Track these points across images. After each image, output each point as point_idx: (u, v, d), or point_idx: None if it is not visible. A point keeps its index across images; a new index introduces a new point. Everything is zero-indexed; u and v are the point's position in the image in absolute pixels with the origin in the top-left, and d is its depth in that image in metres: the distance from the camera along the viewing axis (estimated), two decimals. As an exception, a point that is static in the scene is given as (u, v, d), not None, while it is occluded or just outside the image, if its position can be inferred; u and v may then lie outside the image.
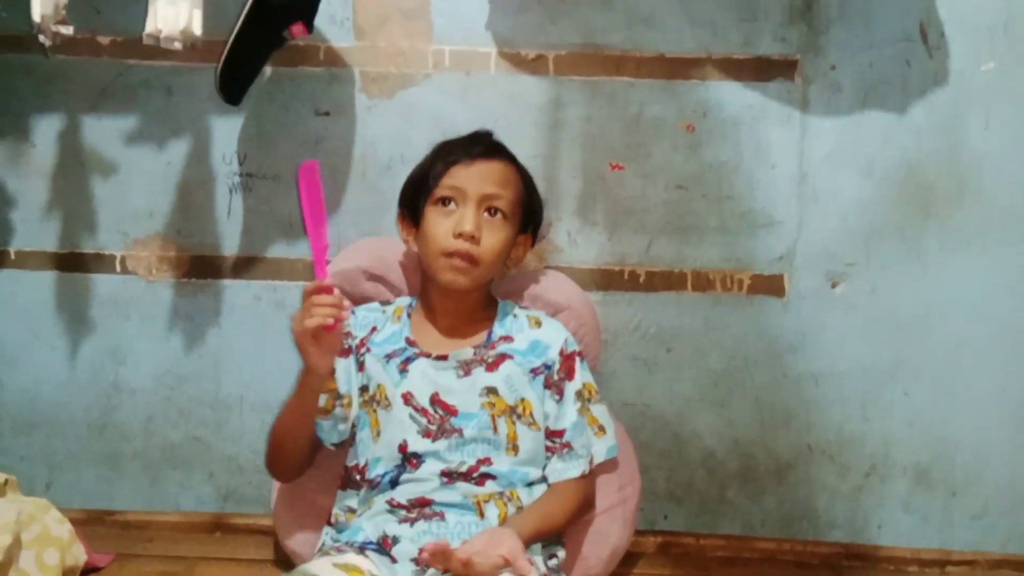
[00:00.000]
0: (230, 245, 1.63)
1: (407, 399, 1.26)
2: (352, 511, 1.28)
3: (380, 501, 1.24)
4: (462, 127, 1.54)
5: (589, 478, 1.32)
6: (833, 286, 1.61)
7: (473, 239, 1.25)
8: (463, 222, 1.25)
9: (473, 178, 1.27)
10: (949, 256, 1.59)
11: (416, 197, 1.32)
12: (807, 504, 1.62)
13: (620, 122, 1.59)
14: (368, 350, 1.31)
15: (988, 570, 1.53)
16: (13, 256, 1.64)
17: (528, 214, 1.36)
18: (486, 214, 1.28)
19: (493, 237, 1.27)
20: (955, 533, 1.61)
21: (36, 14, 1.31)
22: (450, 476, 1.23)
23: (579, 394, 1.32)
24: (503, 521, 1.21)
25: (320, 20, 1.52)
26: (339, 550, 1.19)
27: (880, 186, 1.59)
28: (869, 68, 1.57)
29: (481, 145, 1.32)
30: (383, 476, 1.25)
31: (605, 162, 1.60)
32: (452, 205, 1.28)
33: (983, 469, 1.61)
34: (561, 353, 1.32)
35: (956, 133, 1.58)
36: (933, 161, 1.58)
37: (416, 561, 1.16)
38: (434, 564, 1.10)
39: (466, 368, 1.28)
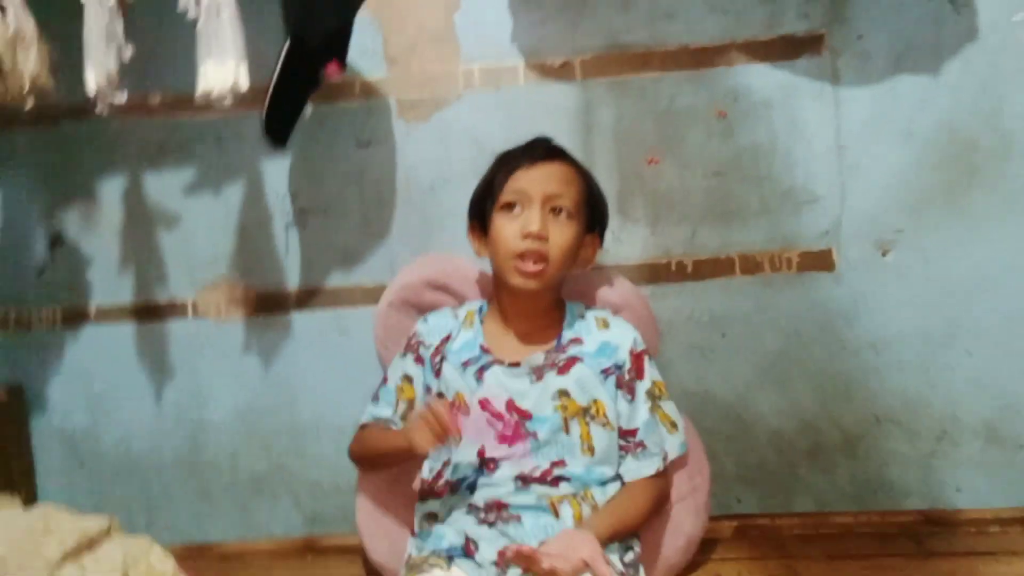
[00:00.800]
0: (291, 279, 1.71)
1: (484, 405, 1.31)
2: (433, 517, 1.33)
3: (461, 507, 1.29)
4: (497, 141, 1.58)
5: (664, 475, 1.35)
6: (883, 254, 1.60)
7: (541, 237, 1.28)
8: (530, 222, 1.29)
9: (535, 180, 1.31)
10: (998, 215, 1.57)
11: (483, 207, 1.36)
12: (880, 474, 1.62)
13: (651, 117, 1.62)
14: (444, 358, 1.36)
15: (1071, 523, 1.51)
16: (93, 313, 1.74)
17: (593, 213, 1.38)
18: (551, 214, 1.31)
19: (561, 234, 1.30)
20: (1035, 488, 1.59)
21: (91, 86, 1.40)
22: (524, 480, 1.28)
23: (649, 393, 1.34)
24: (578, 520, 1.25)
25: (352, 54, 1.57)
26: (428, 562, 1.23)
27: (921, 150, 1.58)
28: (897, 33, 1.57)
29: (540, 149, 1.35)
30: (462, 481, 1.30)
31: (641, 158, 1.63)
32: (518, 209, 1.31)
33: (1055, 421, 1.59)
34: (631, 353, 1.35)
35: (995, 88, 1.56)
36: (974, 120, 1.57)
37: (497, 564, 1.21)
38: (517, 564, 1.14)
39: (538, 373, 1.32)
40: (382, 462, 1.39)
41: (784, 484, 1.64)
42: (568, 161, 1.36)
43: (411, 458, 1.31)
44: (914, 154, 1.58)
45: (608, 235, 1.62)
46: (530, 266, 1.28)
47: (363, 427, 1.41)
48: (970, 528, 1.54)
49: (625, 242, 1.64)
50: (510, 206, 1.31)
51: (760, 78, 1.59)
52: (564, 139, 1.59)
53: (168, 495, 1.76)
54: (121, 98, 1.42)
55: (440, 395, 1.35)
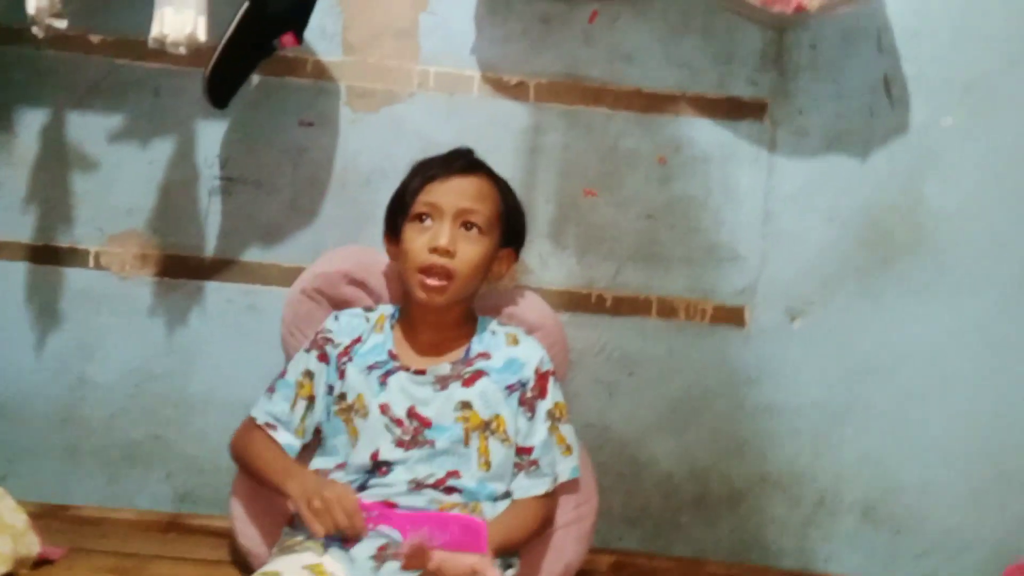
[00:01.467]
0: (207, 247, 1.65)
1: (384, 410, 1.29)
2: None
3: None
4: (444, 146, 1.58)
5: (552, 496, 1.34)
6: (792, 321, 1.66)
7: (448, 253, 1.27)
8: (438, 236, 1.28)
9: (448, 194, 1.30)
10: (905, 302, 1.65)
11: (396, 214, 1.35)
12: (758, 532, 1.66)
13: (596, 151, 1.65)
14: (350, 359, 1.33)
15: (929, 607, 1.57)
16: (-13, 244, 1.64)
17: (509, 229, 1.37)
18: (462, 228, 1.30)
19: (469, 251, 1.29)
20: (899, 570, 1.66)
21: (31, 6, 1.34)
22: (418, 485, 1.25)
23: (550, 413, 1.34)
24: (465, 532, 1.23)
25: (310, 34, 1.56)
26: (302, 545, 1.19)
27: (841, 230, 1.65)
28: (835, 116, 1.65)
29: (458, 161, 1.35)
30: (352, 482, 1.27)
31: (579, 188, 1.65)
32: (428, 221, 1.30)
33: (928, 511, 1.66)
34: (536, 372, 1.35)
35: (915, 185, 1.65)
36: (892, 211, 1.65)
37: (374, 559, 1.17)
38: (409, 562, 1.12)
39: (443, 383, 1.30)
40: (259, 482, 1.34)
41: (666, 528, 1.66)
42: (485, 175, 1.35)
43: (279, 494, 1.26)
44: (834, 233, 1.66)
45: (535, 258, 1.65)
46: (434, 281, 1.28)
47: (254, 426, 1.35)
48: (834, 595, 1.59)
49: (552, 267, 1.65)
50: (421, 217, 1.30)
51: (703, 132, 1.65)
52: (509, 156, 1.62)
53: (33, 449, 1.65)
54: (61, 24, 1.36)
55: (341, 396, 1.32)
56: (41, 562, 1.37)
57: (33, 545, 1.35)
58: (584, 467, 1.44)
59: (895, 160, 1.65)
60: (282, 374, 1.38)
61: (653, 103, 1.64)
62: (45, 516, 1.52)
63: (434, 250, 1.27)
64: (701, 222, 1.66)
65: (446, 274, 1.28)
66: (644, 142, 1.65)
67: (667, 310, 1.65)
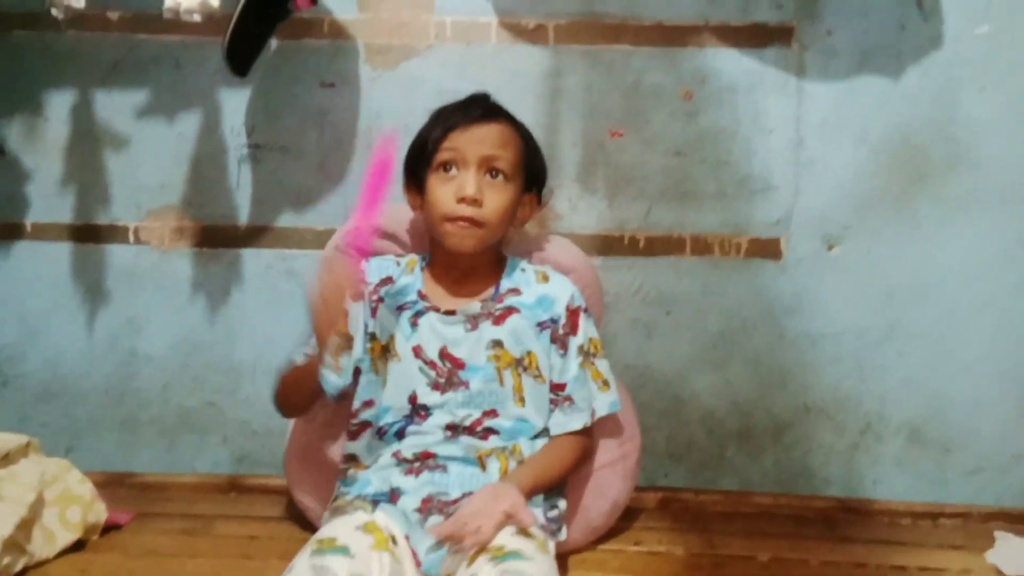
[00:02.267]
0: (240, 215, 1.67)
1: (417, 352, 1.30)
2: (357, 461, 1.32)
3: (387, 454, 1.28)
4: (463, 96, 1.58)
5: (589, 431, 1.36)
6: (829, 249, 1.64)
7: (476, 202, 1.27)
8: (464, 186, 1.27)
9: (471, 141, 1.29)
10: (943, 222, 1.62)
11: (418, 164, 1.34)
12: (804, 462, 1.67)
13: (619, 90, 1.62)
14: (381, 300, 1.34)
15: (980, 522, 1.56)
16: (29, 228, 1.69)
17: (531, 173, 1.36)
18: (487, 176, 1.29)
19: (496, 198, 1.29)
20: (949, 490, 1.65)
21: (49, -14, 1.35)
22: (454, 430, 1.27)
23: (582, 348, 1.35)
24: (504, 474, 1.25)
25: (324, -8, 1.56)
26: (352, 505, 1.23)
27: (875, 152, 1.62)
28: (864, 33, 1.60)
29: (478, 108, 1.33)
30: (391, 426, 1.29)
31: (604, 130, 1.63)
32: (453, 170, 1.29)
33: (976, 427, 1.65)
34: (567, 308, 1.35)
35: (950, 99, 1.60)
36: (927, 128, 1.61)
37: (419, 510, 1.21)
38: (444, 539, 1.15)
39: (473, 322, 1.31)
40: (293, 391, 1.32)
41: (711, 463, 1.68)
42: (506, 120, 1.33)
43: (315, 374, 1.22)
44: (867, 155, 1.62)
45: (565, 203, 1.64)
46: (464, 229, 1.27)
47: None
48: (883, 518, 1.59)
49: (581, 212, 1.65)
50: (446, 167, 1.29)
51: (728, 63, 1.61)
52: (531, 102, 1.61)
53: (93, 422, 1.72)
54: (79, 3, 1.37)
55: (372, 336, 1.34)
56: (110, 527, 1.43)
57: (101, 512, 1.41)
58: (626, 406, 1.45)
59: (928, 74, 1.60)
60: None
61: (675, 36, 1.61)
62: (111, 484, 1.58)
63: (462, 200, 1.27)
64: (731, 155, 1.63)
65: (475, 223, 1.28)
66: (668, 77, 1.62)
67: (701, 247, 1.64)
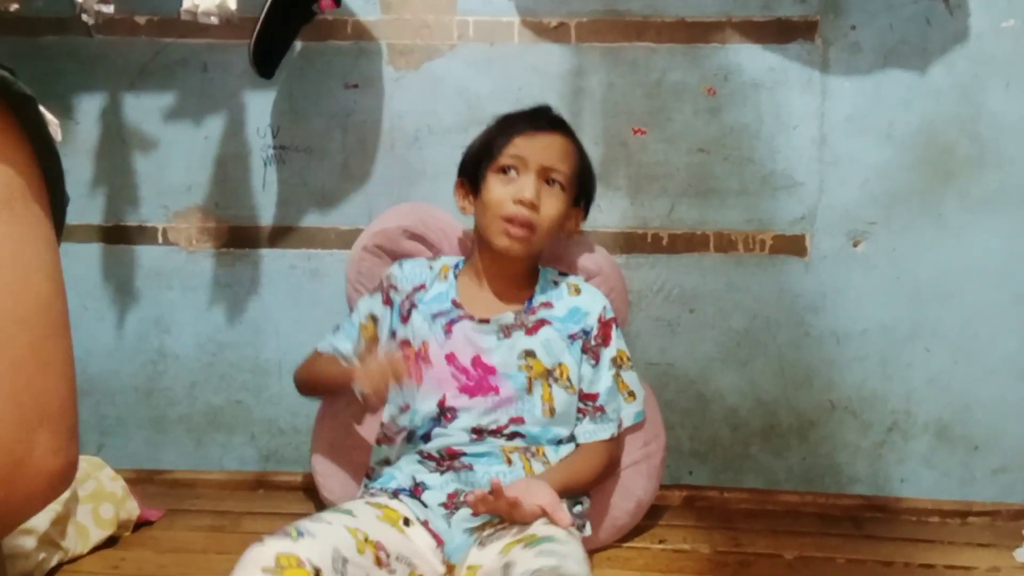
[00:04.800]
0: (266, 216, 1.69)
1: (450, 359, 1.32)
2: (387, 462, 1.34)
3: (412, 453, 1.30)
4: (486, 97, 1.60)
5: (617, 441, 1.37)
6: (855, 245, 1.63)
7: (533, 206, 1.29)
8: (524, 189, 1.29)
9: (535, 149, 1.32)
10: (968, 220, 1.61)
11: (478, 165, 1.36)
12: (829, 460, 1.66)
13: (642, 88, 1.62)
14: (415, 306, 1.36)
15: (1009, 520, 1.55)
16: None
17: (582, 188, 1.39)
18: (545, 184, 1.32)
19: (551, 206, 1.31)
20: (976, 488, 1.64)
21: (79, -8, 1.37)
22: (480, 433, 1.29)
23: (614, 360, 1.36)
24: (528, 473, 1.26)
25: (347, -5, 1.57)
26: (373, 495, 1.25)
27: (900, 149, 1.61)
28: (889, 28, 1.59)
29: (544, 118, 1.36)
30: (418, 428, 1.31)
31: (627, 128, 1.63)
32: (513, 173, 1.31)
33: (1004, 425, 1.63)
34: (599, 320, 1.37)
35: (976, 95, 1.58)
36: (953, 125, 1.59)
37: (444, 506, 1.22)
38: (481, 506, 1.16)
39: (507, 331, 1.33)
40: (320, 388, 1.40)
41: (736, 461, 1.68)
42: (568, 134, 1.37)
43: (344, 389, 1.27)
44: (893, 152, 1.61)
45: (588, 201, 1.64)
46: (517, 231, 1.29)
47: (317, 354, 1.41)
48: (910, 517, 1.58)
49: (605, 210, 1.65)
50: (506, 170, 1.32)
51: (752, 59, 1.61)
52: (553, 101, 1.59)
53: (122, 420, 1.74)
54: (108, 9, 1.39)
55: (405, 343, 1.35)
56: (141, 524, 1.46)
57: (133, 509, 1.44)
58: (650, 405, 1.45)
59: (954, 70, 1.58)
60: (350, 312, 1.43)
61: (698, 33, 1.61)
62: (141, 482, 1.61)
63: (519, 201, 1.29)
64: (755, 152, 1.62)
65: (528, 226, 1.30)
66: (691, 74, 1.62)
67: (725, 244, 1.64)
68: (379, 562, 1.10)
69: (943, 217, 1.61)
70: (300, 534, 1.02)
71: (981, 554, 1.40)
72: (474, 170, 1.36)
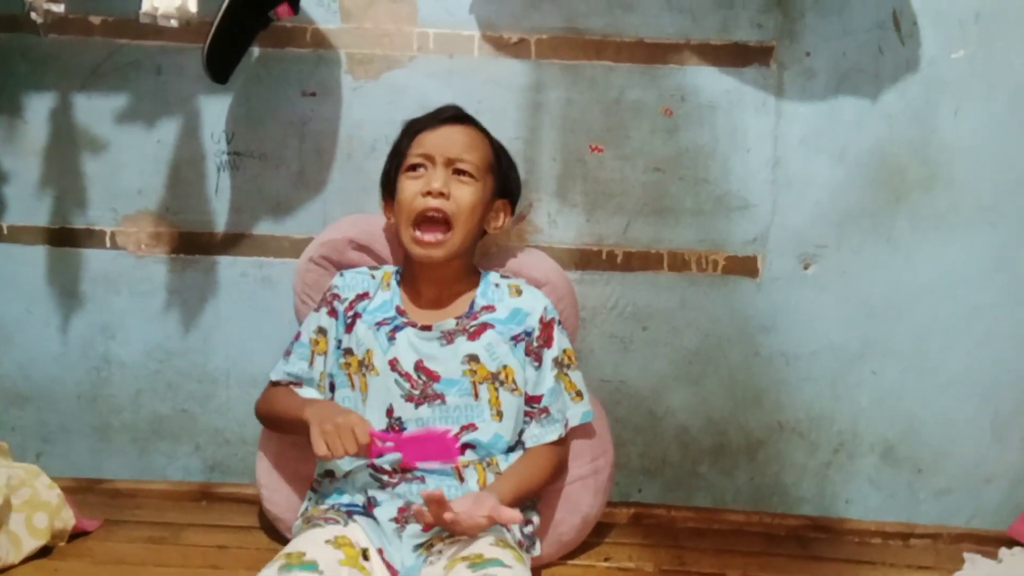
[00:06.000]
0: (218, 222, 1.67)
1: (393, 365, 1.31)
2: (331, 475, 1.32)
3: (363, 467, 1.28)
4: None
5: (564, 442, 1.37)
6: (805, 267, 1.65)
7: (442, 195, 1.30)
8: (431, 181, 1.31)
9: (438, 142, 1.34)
10: (919, 241, 1.63)
11: (391, 174, 1.39)
12: (777, 480, 1.67)
13: (600, 105, 1.63)
14: (359, 315, 1.36)
15: (951, 543, 1.58)
16: (6, 231, 1.68)
17: (502, 180, 1.40)
18: (454, 175, 1.33)
19: (464, 194, 1.32)
20: (921, 509, 1.66)
21: (28, -10, 1.35)
22: None
23: (557, 360, 1.36)
24: (483, 485, 1.26)
25: (306, 2, 1.56)
26: (325, 518, 1.22)
27: (852, 171, 1.63)
28: (843, 55, 1.61)
29: (446, 113, 1.39)
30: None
31: (585, 144, 1.64)
32: (422, 170, 1.33)
33: (949, 448, 1.66)
34: (541, 320, 1.37)
35: (927, 120, 1.62)
36: (904, 147, 1.62)
37: (395, 520, 1.21)
38: (423, 515, 1.15)
39: (449, 337, 1.32)
40: (283, 428, 1.39)
41: (685, 479, 1.68)
42: (473, 126, 1.39)
43: (304, 434, 1.26)
44: (845, 174, 1.63)
45: (544, 217, 1.65)
46: (429, 236, 1.29)
47: (274, 384, 1.39)
48: (854, 538, 1.59)
49: (560, 226, 1.65)
50: (414, 167, 1.34)
51: (709, 81, 1.62)
52: (512, 115, 1.62)
53: (65, 428, 1.70)
54: (59, 8, 1.37)
55: (348, 351, 1.34)
56: (78, 534, 1.42)
57: (68, 519, 1.40)
58: (600, 421, 1.45)
59: (906, 96, 1.61)
60: (296, 337, 1.41)
61: (656, 53, 1.62)
62: (81, 491, 1.57)
63: (428, 193, 1.30)
64: (710, 172, 1.64)
65: (443, 220, 1.30)
66: (649, 93, 1.63)
67: (678, 263, 1.65)
68: None
69: (894, 238, 1.64)
70: None
71: (921, 576, 1.42)
72: (391, 181, 1.39)
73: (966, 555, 1.46)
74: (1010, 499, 1.64)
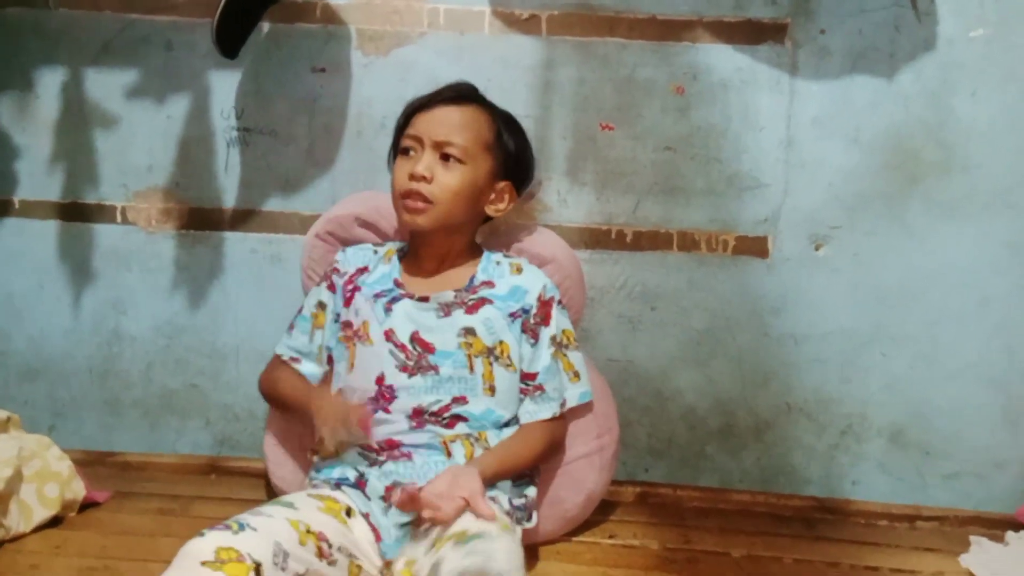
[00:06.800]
0: (228, 198, 1.67)
1: (388, 335, 1.31)
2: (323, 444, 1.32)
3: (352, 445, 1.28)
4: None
5: (560, 421, 1.36)
6: (817, 249, 1.64)
7: (424, 179, 1.30)
8: (415, 165, 1.31)
9: (428, 124, 1.33)
10: (933, 225, 1.62)
11: (392, 152, 1.40)
12: (784, 461, 1.67)
13: (611, 83, 1.62)
14: (357, 288, 1.36)
15: (957, 526, 1.57)
16: (17, 205, 1.69)
17: (505, 162, 1.38)
18: (441, 159, 1.32)
19: (447, 177, 1.32)
20: (928, 492, 1.65)
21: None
22: (420, 417, 1.27)
23: (554, 339, 1.36)
24: (470, 460, 1.25)
25: (317, -24, 1.56)
26: (316, 486, 1.25)
27: (866, 153, 1.61)
28: (858, 33, 1.59)
29: (445, 92, 1.37)
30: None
31: (596, 123, 1.63)
32: (412, 153, 1.34)
33: (958, 432, 1.65)
34: (539, 299, 1.36)
35: (943, 101, 1.59)
36: (920, 130, 1.60)
37: (383, 498, 1.21)
38: (403, 508, 1.16)
39: (446, 309, 1.32)
40: (286, 411, 1.40)
41: (692, 460, 1.68)
42: (474, 105, 1.37)
43: (306, 417, 1.30)
44: (859, 156, 1.62)
45: (553, 196, 1.64)
46: (412, 203, 1.31)
47: (278, 360, 1.40)
48: (859, 519, 1.59)
49: (570, 205, 1.64)
50: (406, 151, 1.34)
51: (721, 59, 1.60)
52: (522, 93, 1.61)
53: (76, 402, 1.72)
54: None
55: (347, 324, 1.34)
56: (88, 505, 1.44)
57: (79, 490, 1.42)
58: (606, 398, 1.45)
59: (922, 76, 1.59)
60: (299, 311, 1.43)
61: (669, 30, 1.60)
62: (92, 463, 1.59)
63: (412, 176, 1.31)
64: (721, 152, 1.63)
65: (423, 199, 1.31)
66: (660, 72, 1.61)
67: (688, 243, 1.64)
68: (321, 553, 1.09)
69: (907, 222, 1.62)
70: (241, 527, 1.01)
71: (927, 558, 1.42)
72: (393, 159, 1.39)
73: (972, 538, 1.46)
74: (1021, 484, 1.63)
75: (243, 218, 1.67)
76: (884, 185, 1.62)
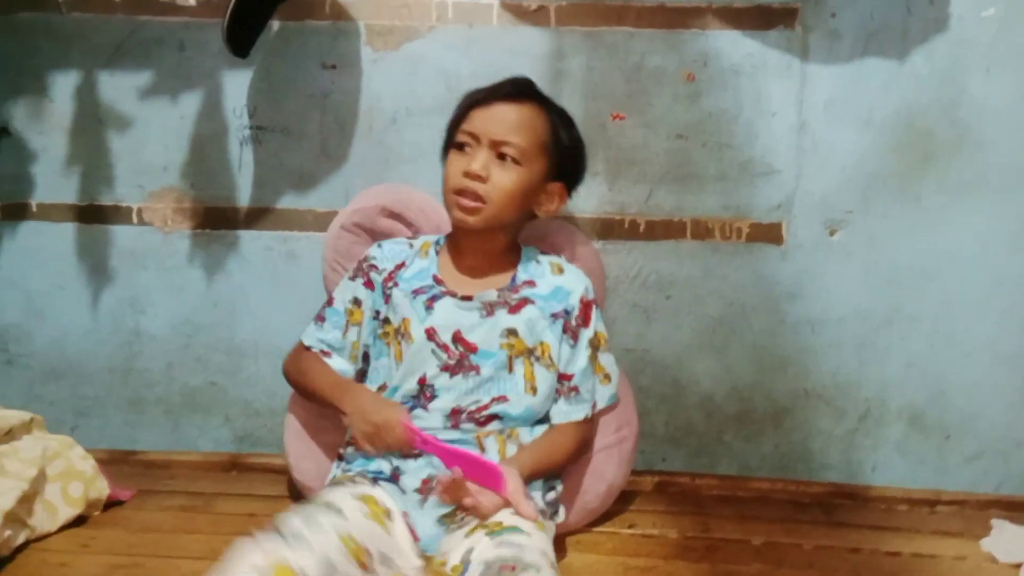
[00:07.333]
0: (242, 197, 1.68)
1: (430, 335, 1.30)
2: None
3: None
4: (466, 79, 1.58)
5: (590, 422, 1.37)
6: (831, 234, 1.63)
7: (479, 178, 1.28)
8: (471, 162, 1.28)
9: (486, 122, 1.29)
10: (947, 205, 1.61)
11: (447, 143, 1.36)
12: (803, 447, 1.67)
13: (621, 72, 1.61)
14: (396, 284, 1.35)
15: (978, 509, 1.56)
16: (35, 208, 1.70)
17: (558, 162, 1.35)
18: (497, 158, 1.30)
19: (503, 178, 1.29)
20: (948, 475, 1.65)
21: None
22: (457, 417, 1.28)
23: (591, 342, 1.36)
24: (503, 456, 1.27)
25: (325, -27, 1.56)
26: (353, 480, 1.25)
27: (879, 135, 1.60)
28: (869, 15, 1.58)
29: (504, 89, 1.33)
30: None
31: (606, 112, 1.62)
32: (468, 149, 1.30)
33: (978, 413, 1.64)
34: (581, 300, 1.36)
35: (956, 81, 1.58)
36: (933, 110, 1.59)
37: (419, 491, 1.22)
38: (445, 496, 1.17)
39: (489, 309, 1.32)
40: (314, 400, 1.39)
41: (710, 447, 1.68)
42: (534, 103, 1.33)
43: (334, 411, 1.32)
44: (872, 138, 1.61)
45: (568, 186, 1.64)
46: (467, 202, 1.28)
47: (305, 349, 1.39)
48: (879, 504, 1.58)
49: (582, 195, 1.63)
50: (461, 146, 1.31)
51: (731, 45, 1.60)
52: (531, 84, 1.60)
53: (98, 401, 1.74)
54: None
55: (386, 320, 1.34)
56: (112, 503, 1.46)
57: (103, 488, 1.43)
58: (624, 391, 1.45)
59: (934, 56, 1.58)
60: (329, 302, 1.40)
61: (678, 18, 1.60)
62: (115, 462, 1.61)
63: (467, 174, 1.28)
64: (733, 138, 1.62)
65: (476, 198, 1.28)
66: (670, 59, 1.61)
67: (702, 231, 1.64)
68: (364, 567, 1.10)
69: (922, 202, 1.61)
70: (294, 538, 1.02)
71: (948, 542, 1.41)
72: (448, 149, 1.36)
73: (994, 521, 1.45)
74: (1041, 464, 1.63)
75: (257, 216, 1.68)
76: (897, 166, 1.61)
